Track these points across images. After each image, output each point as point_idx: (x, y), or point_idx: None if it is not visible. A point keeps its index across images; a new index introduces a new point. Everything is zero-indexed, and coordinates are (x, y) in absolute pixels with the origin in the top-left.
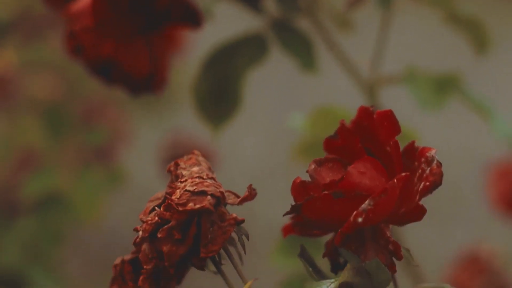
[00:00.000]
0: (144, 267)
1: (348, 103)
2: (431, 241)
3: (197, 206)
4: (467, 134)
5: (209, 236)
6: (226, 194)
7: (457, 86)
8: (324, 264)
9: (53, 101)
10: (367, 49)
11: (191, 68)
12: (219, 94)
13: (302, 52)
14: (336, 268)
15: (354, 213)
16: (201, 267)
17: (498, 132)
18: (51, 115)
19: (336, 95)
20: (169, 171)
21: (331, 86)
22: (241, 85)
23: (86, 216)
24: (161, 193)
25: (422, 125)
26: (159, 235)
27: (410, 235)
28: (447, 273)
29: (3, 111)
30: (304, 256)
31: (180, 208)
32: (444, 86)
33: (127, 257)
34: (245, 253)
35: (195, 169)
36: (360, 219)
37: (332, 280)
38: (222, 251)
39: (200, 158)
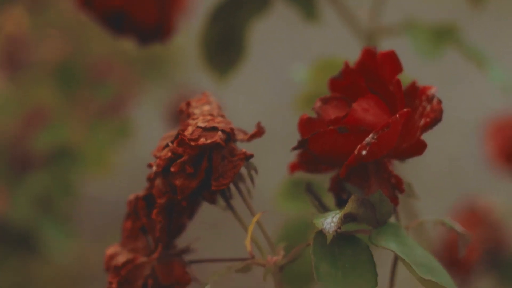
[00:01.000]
0: (158, 201)
1: (349, 54)
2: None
3: (209, 141)
4: (464, 95)
5: (220, 170)
6: (235, 131)
7: (454, 36)
8: (329, 202)
9: (63, 61)
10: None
11: (196, 26)
12: (224, 44)
13: (304, 1)
14: (341, 204)
15: (358, 146)
16: (212, 201)
17: (495, 80)
18: (61, 74)
19: (337, 46)
20: (181, 111)
21: (332, 38)
22: (245, 35)
23: (96, 169)
24: (173, 131)
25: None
26: (172, 170)
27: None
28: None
29: (15, 71)
30: (311, 191)
31: (192, 143)
32: (442, 36)
33: (141, 193)
34: (254, 187)
35: (206, 107)
36: (364, 152)
37: (337, 212)
38: (232, 186)
39: (211, 98)
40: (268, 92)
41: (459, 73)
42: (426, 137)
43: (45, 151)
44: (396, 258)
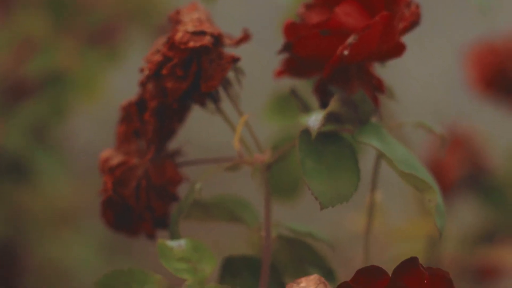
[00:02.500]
0: (150, 104)
1: None
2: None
3: (198, 44)
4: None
5: (209, 72)
6: (223, 36)
7: None
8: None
9: None
10: None
11: None
12: None
13: None
14: (324, 106)
15: (340, 47)
16: (202, 103)
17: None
18: (51, 3)
19: None
20: (171, 18)
21: None
22: None
23: (87, 96)
24: (163, 37)
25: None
26: (163, 72)
27: None
28: (426, 148)
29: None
30: (295, 94)
31: (182, 47)
32: None
33: (134, 98)
34: (241, 90)
35: (195, 15)
36: (346, 52)
37: (321, 111)
38: (221, 90)
39: (200, 7)
40: (252, 14)
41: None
42: (407, 64)
43: (37, 78)
44: (378, 158)
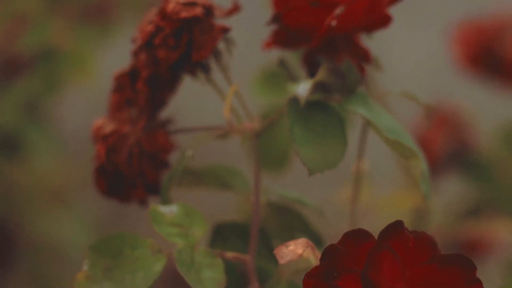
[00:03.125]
0: (142, 73)
1: None
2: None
3: (190, 14)
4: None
5: (199, 42)
6: (214, 8)
7: None
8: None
9: None
10: None
11: None
12: None
13: None
14: (312, 76)
15: (328, 18)
16: (193, 73)
17: None
18: None
19: None
20: None
21: None
22: None
23: (81, 71)
24: (155, 9)
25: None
26: (155, 42)
27: None
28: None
29: None
30: (284, 64)
31: (174, 17)
32: None
33: (126, 69)
34: (231, 60)
35: None
36: (333, 23)
37: (309, 80)
38: (211, 61)
39: None
40: None
41: None
42: (394, 40)
43: (30, 54)
44: (364, 127)
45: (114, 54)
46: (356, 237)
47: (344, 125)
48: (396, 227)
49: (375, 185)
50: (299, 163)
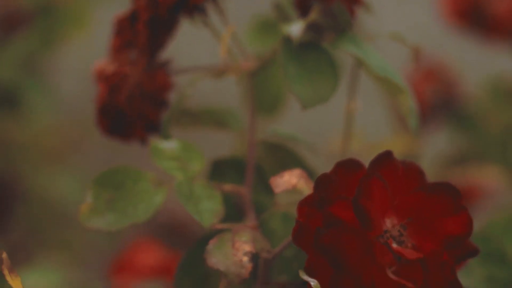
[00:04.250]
0: (142, 16)
1: None
2: None
3: None
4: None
5: None
6: None
7: None
8: None
9: None
10: None
11: None
12: None
13: None
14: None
15: None
16: (191, 15)
17: None
18: None
19: None
20: None
21: None
22: None
23: (78, 27)
24: None
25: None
26: None
27: None
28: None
29: None
30: (279, 8)
31: None
32: None
33: (126, 13)
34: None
35: None
36: None
37: (302, 21)
38: (209, 4)
39: None
40: None
41: None
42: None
43: (28, 10)
44: (355, 67)
45: (111, 11)
46: (347, 166)
47: (335, 64)
48: (386, 156)
49: (365, 134)
50: (291, 112)
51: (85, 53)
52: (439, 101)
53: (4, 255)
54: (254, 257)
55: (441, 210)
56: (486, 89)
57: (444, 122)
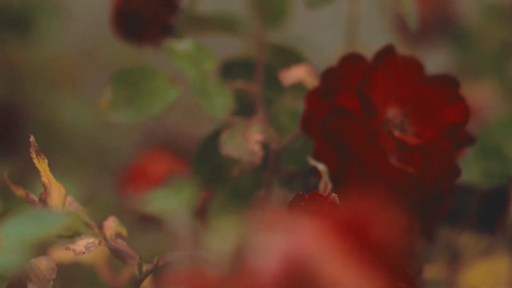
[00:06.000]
0: None
1: None
2: None
3: None
4: None
5: None
6: None
7: None
8: None
9: None
10: None
11: None
12: None
13: None
14: None
15: None
16: None
17: None
18: None
19: None
20: None
21: None
22: None
23: None
24: None
25: None
26: None
27: None
28: None
29: None
30: None
31: None
32: None
33: None
34: None
35: None
36: None
37: None
38: None
39: None
40: None
41: None
42: None
43: None
44: None
45: None
46: (352, 59)
47: None
48: (388, 50)
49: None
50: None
51: None
52: (436, 19)
53: (32, 138)
54: (264, 147)
55: (440, 99)
56: (482, 7)
57: (441, 41)
